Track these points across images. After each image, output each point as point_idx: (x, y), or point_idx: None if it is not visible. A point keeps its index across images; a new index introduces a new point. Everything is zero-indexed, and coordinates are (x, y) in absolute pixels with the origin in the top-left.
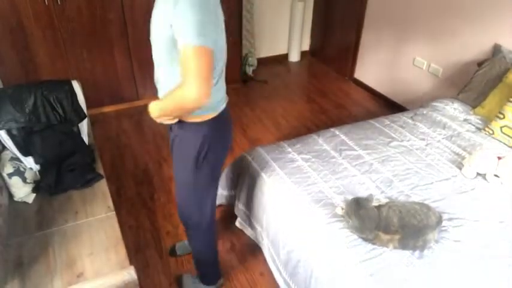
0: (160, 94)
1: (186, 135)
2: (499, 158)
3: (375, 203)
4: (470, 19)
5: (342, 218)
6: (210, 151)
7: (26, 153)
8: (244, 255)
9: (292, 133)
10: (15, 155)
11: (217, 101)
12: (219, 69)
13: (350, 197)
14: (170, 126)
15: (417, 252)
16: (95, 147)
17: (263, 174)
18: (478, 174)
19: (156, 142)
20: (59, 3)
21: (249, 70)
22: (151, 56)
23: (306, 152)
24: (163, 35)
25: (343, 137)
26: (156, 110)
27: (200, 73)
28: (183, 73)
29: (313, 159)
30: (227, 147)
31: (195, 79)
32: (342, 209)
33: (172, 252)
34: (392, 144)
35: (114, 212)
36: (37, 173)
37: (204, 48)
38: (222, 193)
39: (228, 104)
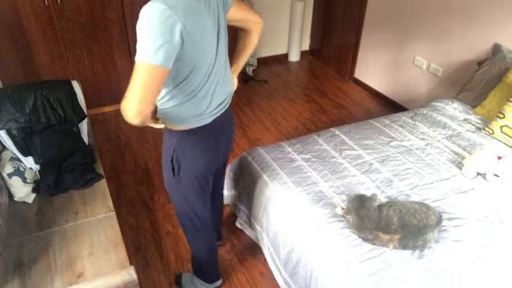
0: None
1: (164, 139)
2: (499, 157)
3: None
4: (470, 19)
5: (342, 218)
6: (183, 161)
7: (26, 153)
8: (244, 255)
9: (292, 133)
10: (15, 155)
11: (191, 115)
12: (196, 83)
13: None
14: None
15: (417, 252)
16: (95, 147)
17: (263, 175)
18: (478, 174)
19: (156, 142)
20: (59, 3)
21: (249, 70)
22: None
23: (306, 152)
24: None
25: (343, 136)
26: None
27: (135, 92)
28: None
29: (313, 159)
30: (210, 157)
31: (130, 97)
32: (342, 209)
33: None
34: (392, 144)
35: (114, 212)
36: (37, 173)
37: (150, 66)
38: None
39: (221, 118)
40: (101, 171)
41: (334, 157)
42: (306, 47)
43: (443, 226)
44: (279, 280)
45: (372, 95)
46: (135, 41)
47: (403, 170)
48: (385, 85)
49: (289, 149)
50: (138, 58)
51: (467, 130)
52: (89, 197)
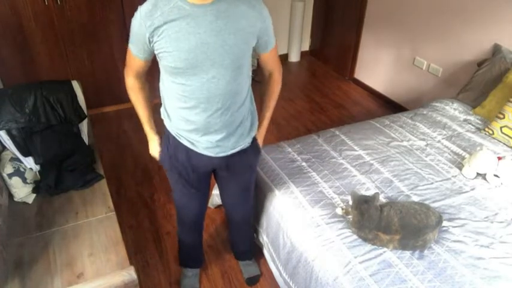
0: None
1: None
2: (499, 158)
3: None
4: (470, 19)
5: (342, 218)
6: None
7: (26, 154)
8: None
9: (292, 133)
10: (15, 155)
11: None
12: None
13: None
14: None
15: (417, 253)
16: (95, 147)
17: (263, 175)
18: (478, 174)
19: None
20: (59, 3)
21: None
22: None
23: (306, 152)
24: None
25: (343, 137)
26: None
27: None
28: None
29: (313, 160)
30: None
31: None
32: (342, 209)
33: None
34: (392, 144)
35: (114, 212)
36: (37, 173)
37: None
38: None
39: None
40: (101, 171)
41: (334, 157)
42: (306, 47)
43: (444, 226)
44: (279, 280)
45: (371, 95)
46: None
47: (403, 170)
48: (385, 85)
49: (289, 149)
50: (274, 44)
51: (467, 130)
52: (89, 197)
